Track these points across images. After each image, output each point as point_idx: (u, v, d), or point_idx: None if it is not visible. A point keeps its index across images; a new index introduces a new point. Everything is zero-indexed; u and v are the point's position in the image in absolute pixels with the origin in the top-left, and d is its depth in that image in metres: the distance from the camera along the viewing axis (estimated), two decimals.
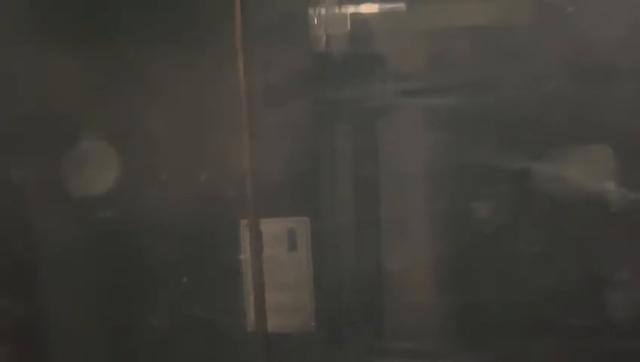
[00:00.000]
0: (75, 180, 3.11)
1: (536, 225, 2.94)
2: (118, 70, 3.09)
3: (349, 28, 3.13)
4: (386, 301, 3.15)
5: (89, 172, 3.12)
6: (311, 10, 3.13)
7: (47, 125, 3.11)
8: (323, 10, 3.15)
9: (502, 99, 2.94)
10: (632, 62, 2.86)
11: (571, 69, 2.89)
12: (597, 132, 2.81)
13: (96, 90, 3.10)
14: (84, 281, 3.19)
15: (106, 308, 3.19)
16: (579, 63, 2.92)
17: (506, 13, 2.97)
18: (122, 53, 3.08)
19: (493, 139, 2.96)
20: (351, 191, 3.16)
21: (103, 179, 3.10)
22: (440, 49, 3.03)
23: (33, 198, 3.20)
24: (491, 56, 2.95)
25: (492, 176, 2.99)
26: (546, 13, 2.91)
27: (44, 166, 3.13)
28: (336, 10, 3.16)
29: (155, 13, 3.06)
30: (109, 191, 3.11)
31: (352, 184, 3.16)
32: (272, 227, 3.11)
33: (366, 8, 3.17)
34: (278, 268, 3.13)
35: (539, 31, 2.91)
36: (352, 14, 3.14)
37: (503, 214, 3.01)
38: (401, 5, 3.12)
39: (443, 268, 3.05)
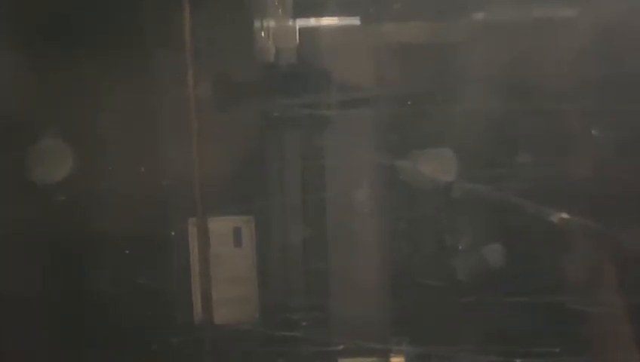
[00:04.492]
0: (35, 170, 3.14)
1: (400, 207, 3.26)
2: (74, 77, 3.09)
3: (297, 41, 3.17)
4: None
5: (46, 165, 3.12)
6: (259, 23, 3.15)
7: (8, 124, 3.09)
8: (272, 23, 3.17)
9: (381, 111, 3.22)
10: (473, 86, 3.09)
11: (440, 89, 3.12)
12: (443, 139, 3.13)
13: (51, 95, 3.11)
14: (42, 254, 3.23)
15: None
16: (443, 84, 3.13)
17: (451, 32, 3.14)
18: (78, 62, 3.07)
19: (374, 142, 3.26)
20: (295, 193, 3.27)
21: (57, 174, 3.13)
22: (378, 65, 3.17)
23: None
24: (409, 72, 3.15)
25: (370, 170, 3.26)
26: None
27: (8, 159, 3.15)
28: (285, 24, 3.17)
29: (106, 24, 3.08)
30: (63, 187, 3.14)
31: (297, 186, 3.28)
32: (218, 225, 3.19)
33: (315, 22, 3.20)
34: (224, 263, 3.19)
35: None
36: (301, 28, 3.18)
37: (377, 199, 3.27)
38: (355, 21, 3.16)
39: (336, 241, 3.28)
